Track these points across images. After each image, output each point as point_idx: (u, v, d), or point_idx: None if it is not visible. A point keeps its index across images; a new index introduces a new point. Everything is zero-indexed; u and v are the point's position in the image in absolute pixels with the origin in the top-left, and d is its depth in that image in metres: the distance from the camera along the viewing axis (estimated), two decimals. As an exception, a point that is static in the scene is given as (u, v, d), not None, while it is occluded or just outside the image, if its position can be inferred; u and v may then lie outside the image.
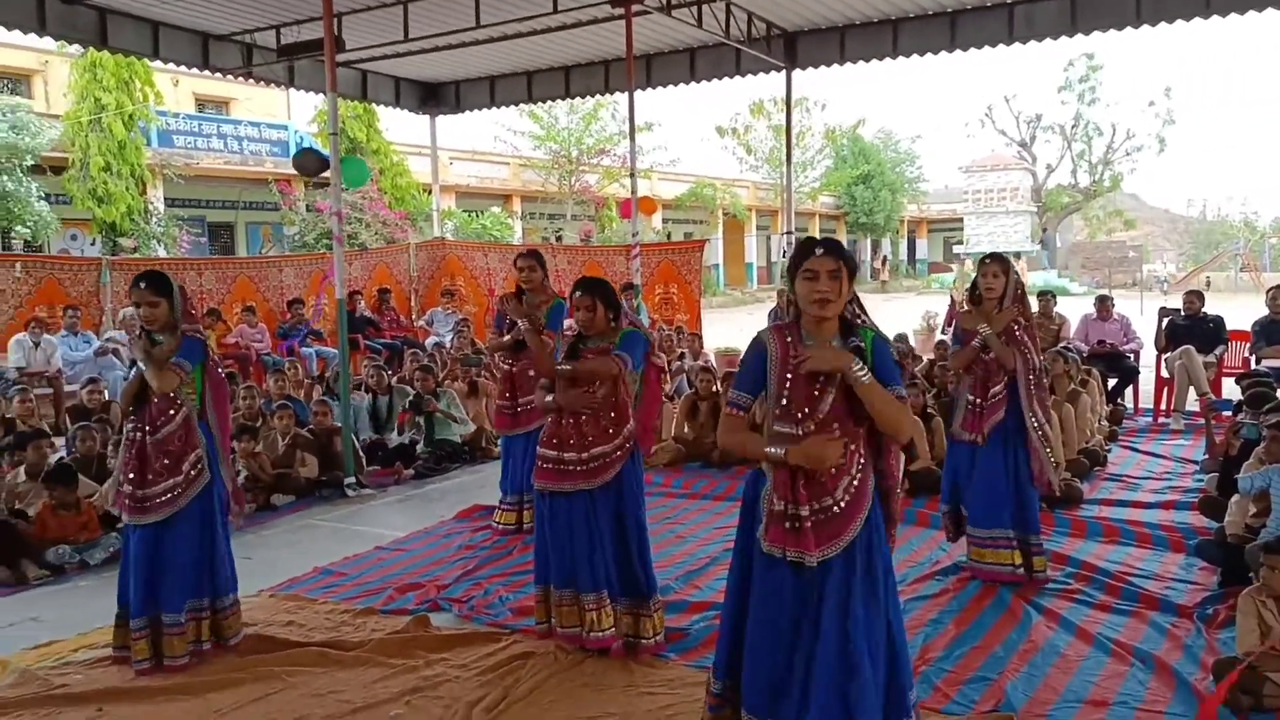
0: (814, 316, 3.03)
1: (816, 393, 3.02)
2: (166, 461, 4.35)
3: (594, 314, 4.38)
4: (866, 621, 2.99)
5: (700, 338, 12.57)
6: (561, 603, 4.38)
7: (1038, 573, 5.22)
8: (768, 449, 3.03)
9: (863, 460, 3.06)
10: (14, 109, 18.29)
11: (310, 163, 10.28)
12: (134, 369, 4.51)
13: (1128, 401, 10.53)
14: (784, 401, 3.05)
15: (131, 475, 4.35)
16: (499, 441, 6.78)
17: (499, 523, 6.58)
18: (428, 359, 10.36)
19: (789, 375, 3.05)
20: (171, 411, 4.37)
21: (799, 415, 3.02)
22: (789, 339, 3.08)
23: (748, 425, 3.16)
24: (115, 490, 4.47)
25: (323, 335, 13.26)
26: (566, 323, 5.43)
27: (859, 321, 3.10)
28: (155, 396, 4.36)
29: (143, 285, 4.35)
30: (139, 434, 4.38)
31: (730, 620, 3.23)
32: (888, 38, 12.47)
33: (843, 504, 3.00)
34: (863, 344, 3.03)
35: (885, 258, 49.44)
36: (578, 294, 4.41)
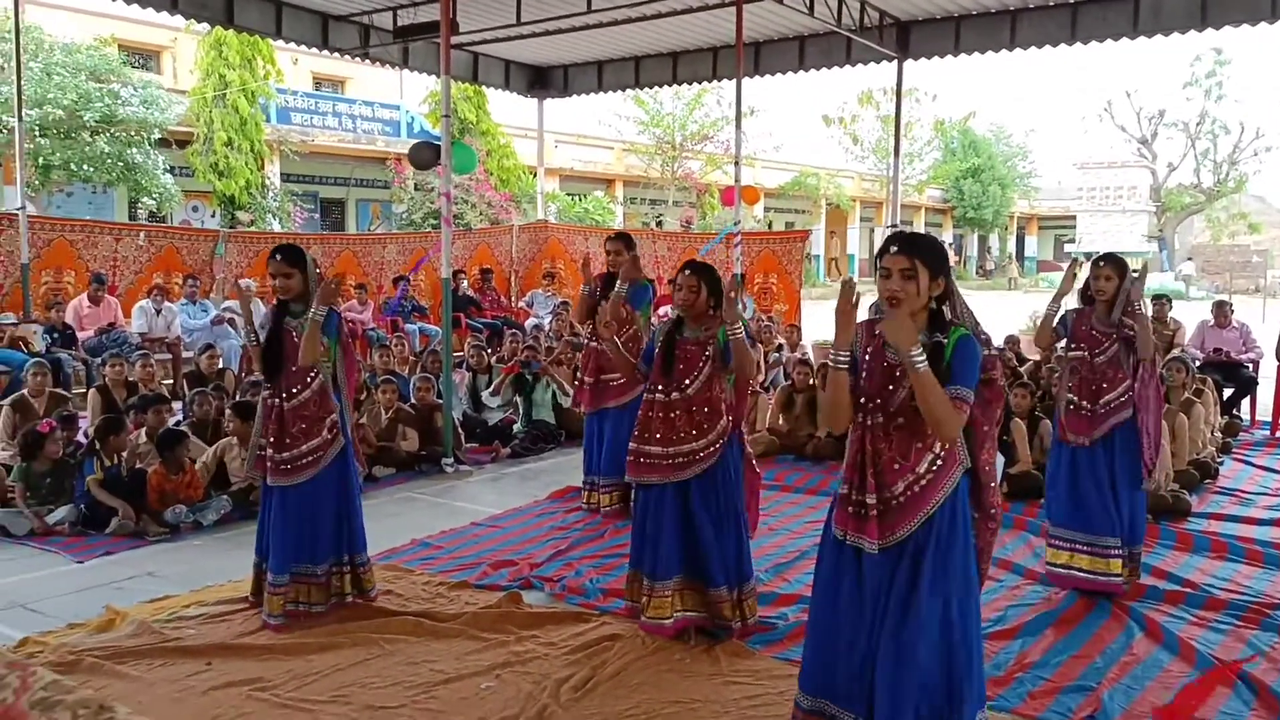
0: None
1: (891, 386, 3.05)
2: (303, 425, 4.58)
3: (697, 296, 4.39)
4: (913, 618, 2.98)
5: (799, 329, 12.48)
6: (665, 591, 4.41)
7: (1127, 582, 5.09)
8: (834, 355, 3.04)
9: (940, 460, 3.03)
10: (145, 85, 19.06)
11: (424, 155, 10.46)
12: (250, 336, 4.71)
13: (1244, 413, 10.13)
14: (855, 389, 3.09)
15: (272, 439, 4.57)
16: (585, 422, 6.87)
17: (604, 506, 6.60)
18: (531, 339, 10.53)
19: (866, 368, 3.09)
20: (308, 379, 4.59)
21: (869, 405, 3.06)
22: (877, 333, 3.09)
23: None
24: (255, 455, 4.68)
25: (426, 312, 13.56)
26: (664, 309, 5.46)
27: (952, 320, 3.07)
28: (293, 365, 4.56)
29: (279, 257, 4.57)
30: (276, 400, 4.59)
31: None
32: (1005, 29, 12.15)
33: (903, 499, 3.01)
34: (945, 340, 3.00)
35: (1011, 255, 48.80)
36: (685, 273, 4.42)
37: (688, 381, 4.39)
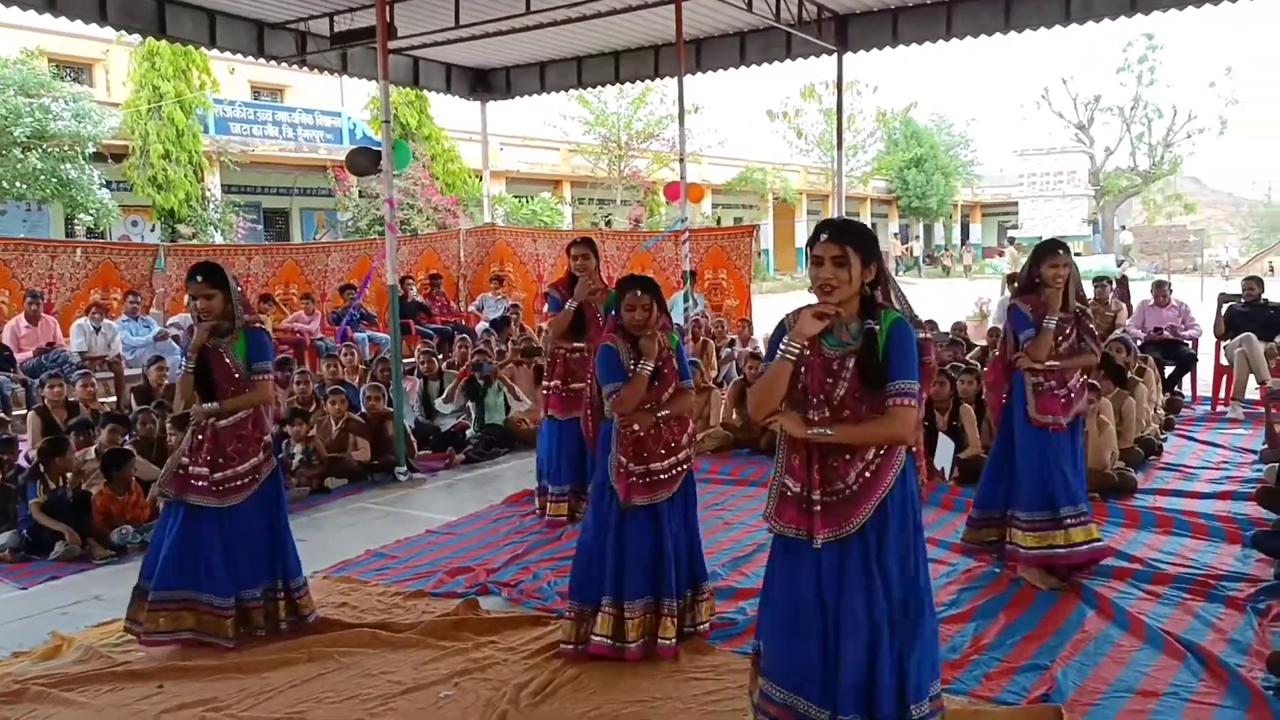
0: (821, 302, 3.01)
1: (830, 380, 3.03)
2: (239, 445, 4.49)
3: (650, 314, 4.31)
4: (868, 600, 3.00)
5: (750, 324, 12.53)
6: (634, 613, 4.23)
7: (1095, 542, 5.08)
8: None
9: (883, 448, 3.04)
10: (76, 98, 18.65)
11: (362, 162, 10.28)
12: (188, 361, 4.59)
13: (1185, 390, 10.34)
14: (799, 386, 3.07)
15: (206, 459, 4.45)
16: (542, 429, 6.78)
17: (550, 514, 6.52)
18: (481, 343, 10.45)
19: (805, 363, 3.06)
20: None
21: (814, 401, 3.04)
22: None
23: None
24: (173, 474, 4.49)
25: (375, 320, 13.42)
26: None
27: (883, 304, 3.07)
28: (231, 387, 4.47)
29: (199, 278, 4.44)
30: (209, 421, 4.48)
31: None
32: (941, 20, 12.31)
33: (855, 487, 3.01)
34: (878, 327, 2.99)
35: (960, 244, 49.44)
36: (636, 293, 4.31)
37: (666, 394, 4.37)
